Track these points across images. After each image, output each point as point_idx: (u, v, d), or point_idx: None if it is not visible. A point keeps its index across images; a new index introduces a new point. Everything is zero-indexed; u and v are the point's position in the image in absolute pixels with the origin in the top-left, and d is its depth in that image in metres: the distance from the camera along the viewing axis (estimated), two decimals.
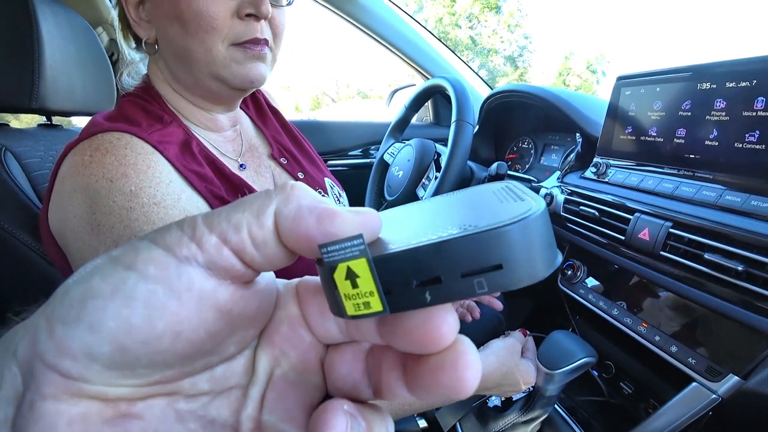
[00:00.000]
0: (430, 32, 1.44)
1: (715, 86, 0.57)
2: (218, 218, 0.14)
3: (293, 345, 0.17)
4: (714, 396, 0.51)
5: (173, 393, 0.15)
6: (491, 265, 0.12)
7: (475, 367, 0.14)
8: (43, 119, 0.80)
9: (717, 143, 0.56)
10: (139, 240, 0.14)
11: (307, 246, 0.14)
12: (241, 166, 0.59)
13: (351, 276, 0.13)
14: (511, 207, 0.14)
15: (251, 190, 0.54)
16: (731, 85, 0.55)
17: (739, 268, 0.48)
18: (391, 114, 1.15)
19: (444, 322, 0.13)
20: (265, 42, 0.52)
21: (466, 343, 0.14)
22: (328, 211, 0.14)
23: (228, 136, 0.61)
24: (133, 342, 0.13)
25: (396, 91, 1.71)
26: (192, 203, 0.46)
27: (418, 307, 0.13)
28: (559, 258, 0.15)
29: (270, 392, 0.17)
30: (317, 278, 0.17)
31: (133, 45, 0.57)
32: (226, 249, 0.14)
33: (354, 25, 1.32)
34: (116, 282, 0.13)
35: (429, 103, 1.56)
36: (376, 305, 0.13)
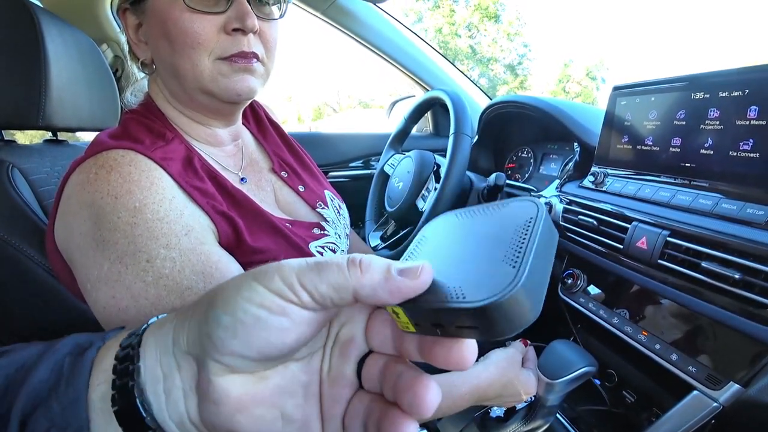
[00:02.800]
0: (428, 44, 1.46)
1: (708, 96, 0.58)
2: (308, 281, 0.21)
3: (353, 323, 0.25)
4: (715, 404, 0.51)
5: (288, 362, 0.24)
6: (468, 325, 0.19)
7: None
8: (48, 135, 0.82)
9: (712, 152, 0.57)
10: (253, 284, 0.22)
11: (381, 305, 0.23)
12: (242, 179, 0.60)
13: (395, 313, 0.22)
14: (501, 275, 0.19)
15: (252, 204, 0.55)
16: (724, 94, 0.56)
17: (736, 277, 0.48)
18: (391, 125, 1.16)
19: (463, 353, 0.21)
20: (254, 56, 0.53)
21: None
22: (396, 286, 0.21)
23: (229, 150, 0.62)
24: (270, 350, 0.21)
25: (396, 102, 1.73)
26: (194, 218, 0.46)
27: (433, 335, 0.21)
28: (533, 317, 0.19)
29: (335, 347, 0.25)
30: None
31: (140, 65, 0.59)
32: (313, 302, 0.21)
33: (354, 39, 1.34)
34: (255, 316, 0.21)
35: (428, 114, 1.57)
36: (412, 328, 0.22)
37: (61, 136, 0.84)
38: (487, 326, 0.19)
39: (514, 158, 1.19)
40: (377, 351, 0.25)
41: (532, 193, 0.88)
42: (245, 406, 0.22)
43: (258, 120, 0.73)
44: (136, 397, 0.22)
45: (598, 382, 0.73)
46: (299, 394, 0.24)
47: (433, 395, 0.21)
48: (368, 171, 1.47)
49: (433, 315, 0.20)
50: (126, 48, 0.59)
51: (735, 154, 0.54)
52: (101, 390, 0.23)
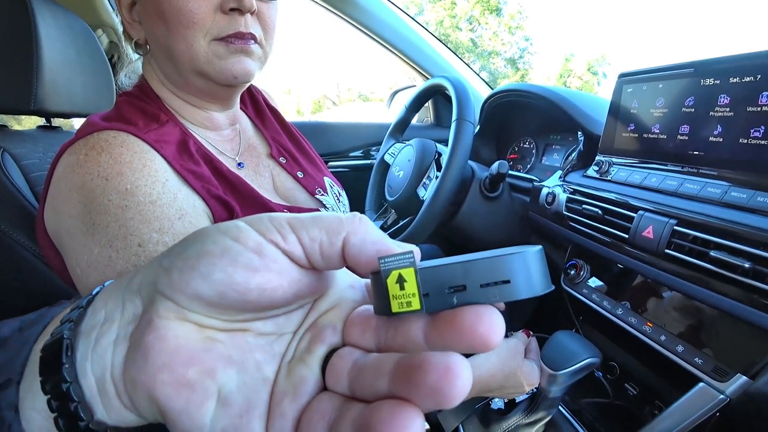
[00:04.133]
0: (431, 33, 1.44)
1: (718, 82, 0.56)
2: (300, 225, 0.19)
3: (334, 311, 0.22)
4: (722, 396, 0.50)
5: (247, 330, 0.20)
6: (502, 279, 0.17)
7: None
8: (42, 121, 0.80)
9: (721, 139, 0.56)
10: (237, 222, 0.19)
11: (364, 267, 0.19)
12: (239, 164, 0.59)
13: (400, 280, 0.18)
14: (522, 248, 0.19)
15: (250, 189, 0.53)
16: (735, 80, 0.54)
17: (746, 266, 0.47)
18: (391, 116, 1.14)
19: (493, 322, 0.16)
20: (252, 36, 0.51)
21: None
22: (386, 247, 0.19)
23: (226, 135, 0.61)
24: (231, 291, 0.18)
25: (396, 92, 1.71)
26: (188, 202, 0.45)
27: (447, 308, 0.18)
28: (552, 286, 0.19)
29: (306, 334, 0.22)
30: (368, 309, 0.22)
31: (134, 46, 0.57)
32: (300, 248, 0.19)
33: (355, 26, 1.31)
34: (224, 247, 0.18)
35: (429, 105, 1.55)
36: (416, 304, 0.18)
37: (56, 123, 0.82)
38: (521, 278, 0.17)
39: (516, 149, 1.18)
40: (355, 344, 0.20)
41: (535, 183, 0.87)
42: (179, 361, 0.18)
43: (256, 105, 0.71)
44: (64, 339, 0.19)
45: (600, 374, 0.72)
46: (249, 373, 0.20)
47: (465, 370, 0.15)
48: (368, 161, 1.45)
49: (456, 270, 0.18)
50: (120, 29, 0.57)
51: (745, 141, 0.53)
52: (45, 341, 0.20)
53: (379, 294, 0.19)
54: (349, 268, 0.20)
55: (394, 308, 0.18)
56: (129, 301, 0.20)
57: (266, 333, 0.21)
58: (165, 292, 0.18)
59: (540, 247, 0.19)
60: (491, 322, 0.16)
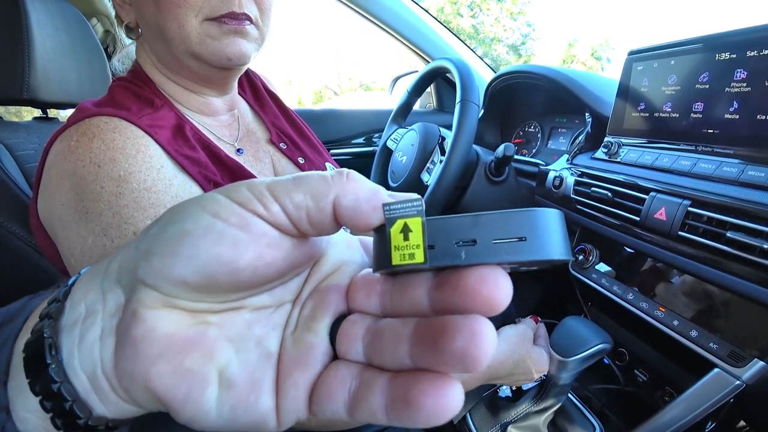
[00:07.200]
0: (433, 17, 1.40)
1: (735, 56, 0.54)
2: (282, 190, 0.17)
3: (336, 276, 0.21)
4: (738, 382, 0.48)
5: (242, 307, 0.19)
6: (517, 236, 0.15)
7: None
8: (38, 113, 0.78)
9: (738, 116, 0.53)
10: (214, 194, 0.17)
11: (363, 228, 0.18)
12: (238, 150, 0.57)
13: (405, 230, 0.16)
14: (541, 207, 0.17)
15: (249, 175, 0.52)
16: (753, 53, 0.52)
17: (765, 246, 0.45)
18: (393, 102, 1.12)
19: (498, 283, 0.15)
20: (246, 17, 0.49)
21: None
22: (384, 201, 0.17)
23: (224, 120, 0.59)
24: (220, 273, 0.16)
25: (398, 78, 1.68)
26: (185, 188, 0.44)
27: (453, 263, 0.16)
28: (571, 256, 0.17)
29: (308, 301, 0.20)
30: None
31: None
32: (285, 218, 0.17)
33: (355, 10, 1.28)
34: (206, 225, 0.16)
35: (432, 90, 1.53)
36: (419, 257, 0.16)
37: (52, 115, 0.81)
38: (538, 237, 0.15)
39: (521, 133, 1.15)
40: (360, 310, 0.19)
41: (541, 167, 0.85)
42: (173, 350, 0.17)
43: (255, 90, 0.70)
44: (45, 338, 0.18)
45: (608, 360, 0.71)
46: (250, 350, 0.19)
47: (490, 332, 0.15)
48: (371, 148, 1.43)
49: (467, 223, 0.16)
50: (112, 11, 0.56)
51: (764, 117, 0.51)
52: (26, 338, 0.19)
53: (380, 246, 0.17)
54: (342, 227, 0.18)
55: (395, 260, 0.16)
56: (109, 291, 0.18)
57: (263, 306, 0.20)
58: (146, 281, 0.17)
59: (560, 211, 0.17)
60: (496, 282, 0.15)
